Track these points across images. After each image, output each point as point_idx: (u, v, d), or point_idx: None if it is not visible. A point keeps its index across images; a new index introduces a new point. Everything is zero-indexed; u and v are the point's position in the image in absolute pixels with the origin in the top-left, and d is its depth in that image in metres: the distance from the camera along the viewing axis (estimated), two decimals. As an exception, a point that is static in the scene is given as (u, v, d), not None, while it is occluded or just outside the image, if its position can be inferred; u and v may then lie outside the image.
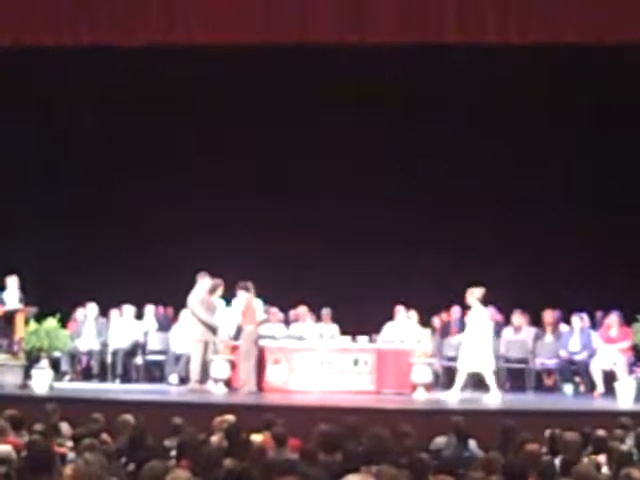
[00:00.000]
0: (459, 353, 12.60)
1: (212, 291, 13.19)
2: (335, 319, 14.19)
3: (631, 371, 12.60)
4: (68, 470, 5.83)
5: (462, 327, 14.39)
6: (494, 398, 12.20)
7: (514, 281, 14.48)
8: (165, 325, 14.65)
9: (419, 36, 12.85)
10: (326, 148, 15.23)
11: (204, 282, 13.14)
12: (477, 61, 14.18)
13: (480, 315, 12.42)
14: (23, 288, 13.49)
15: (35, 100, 15.43)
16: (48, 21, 12.98)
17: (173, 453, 7.42)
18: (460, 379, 12.45)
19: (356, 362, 13.04)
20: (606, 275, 14.09)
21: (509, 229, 15.05)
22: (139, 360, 14.38)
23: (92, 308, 14.52)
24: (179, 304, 13.70)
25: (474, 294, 12.41)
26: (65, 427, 9.04)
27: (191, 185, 15.47)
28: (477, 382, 13.18)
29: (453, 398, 12.25)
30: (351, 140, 15.09)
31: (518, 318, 13.94)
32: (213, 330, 13.04)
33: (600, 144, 14.92)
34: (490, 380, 12.34)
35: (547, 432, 8.33)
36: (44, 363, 12.58)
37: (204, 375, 12.91)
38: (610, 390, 12.46)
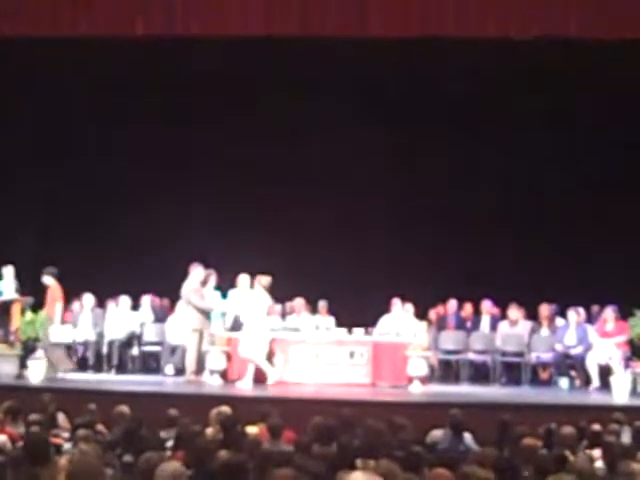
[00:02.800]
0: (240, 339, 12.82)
1: (205, 281, 13.19)
2: (331, 311, 14.19)
3: (627, 365, 12.57)
4: (64, 461, 5.82)
5: (458, 320, 14.45)
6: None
7: (511, 274, 14.49)
8: (161, 316, 14.63)
9: (419, 30, 12.86)
10: (322, 139, 15.19)
11: (197, 272, 13.13)
12: (477, 55, 14.15)
13: (261, 302, 12.74)
14: (19, 278, 13.49)
15: (32, 93, 15.39)
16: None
17: (169, 444, 7.42)
18: (252, 367, 12.65)
19: (352, 354, 13.02)
20: (602, 269, 14.09)
21: (507, 222, 15.03)
22: (135, 351, 14.36)
23: (88, 299, 14.53)
24: (175, 295, 13.68)
25: (261, 281, 12.79)
26: (61, 418, 9.04)
27: (189, 178, 15.45)
28: (474, 374, 13.14)
29: (245, 385, 12.44)
30: (350, 133, 15.06)
31: (514, 312, 13.93)
32: (208, 315, 13.06)
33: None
34: (264, 366, 12.60)
35: (542, 426, 8.34)
36: (40, 353, 12.57)
37: (200, 366, 12.91)
38: (606, 384, 12.46)
